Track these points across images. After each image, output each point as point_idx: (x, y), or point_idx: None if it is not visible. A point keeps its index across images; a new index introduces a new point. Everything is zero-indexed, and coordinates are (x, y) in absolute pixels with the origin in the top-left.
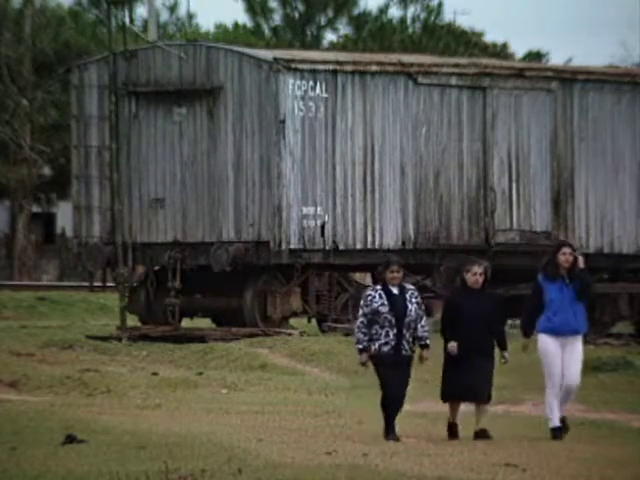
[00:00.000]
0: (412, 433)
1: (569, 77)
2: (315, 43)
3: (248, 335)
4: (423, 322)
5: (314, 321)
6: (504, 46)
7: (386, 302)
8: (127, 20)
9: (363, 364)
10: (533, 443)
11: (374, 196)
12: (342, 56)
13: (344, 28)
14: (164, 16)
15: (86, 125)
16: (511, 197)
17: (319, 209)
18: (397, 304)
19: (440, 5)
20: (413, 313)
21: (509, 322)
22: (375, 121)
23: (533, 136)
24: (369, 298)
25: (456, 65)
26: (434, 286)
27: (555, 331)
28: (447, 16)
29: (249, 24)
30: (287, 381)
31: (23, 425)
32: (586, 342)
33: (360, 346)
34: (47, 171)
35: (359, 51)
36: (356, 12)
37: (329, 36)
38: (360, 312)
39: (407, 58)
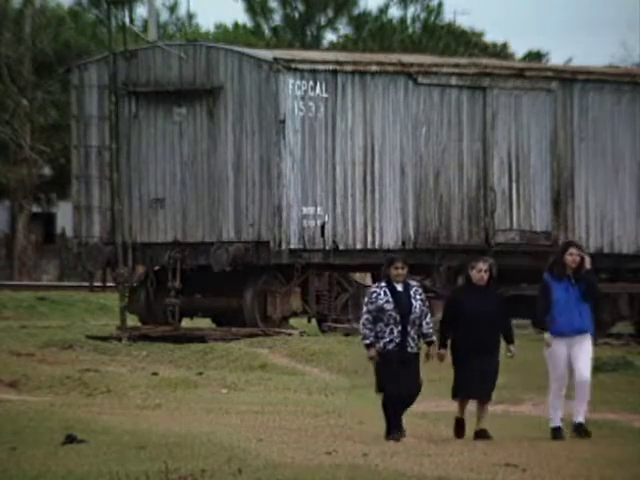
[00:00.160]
0: (412, 433)
1: (569, 77)
2: (315, 43)
3: (248, 335)
4: (428, 319)
5: (314, 321)
6: (504, 46)
7: (391, 299)
8: (127, 20)
9: (372, 359)
10: (533, 443)
11: (374, 196)
12: (342, 56)
13: (344, 28)
14: (164, 16)
15: (86, 125)
16: (511, 197)
17: (319, 209)
18: (402, 301)
19: (440, 5)
20: (418, 310)
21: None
22: (375, 121)
23: (533, 136)
24: (374, 295)
25: (456, 65)
26: (434, 286)
27: (560, 332)
28: (447, 16)
29: (249, 24)
30: (287, 381)
31: (23, 425)
32: None
33: (367, 341)
34: (47, 171)
35: (359, 51)
36: (356, 12)
37: (329, 36)
38: (364, 309)
39: (407, 58)
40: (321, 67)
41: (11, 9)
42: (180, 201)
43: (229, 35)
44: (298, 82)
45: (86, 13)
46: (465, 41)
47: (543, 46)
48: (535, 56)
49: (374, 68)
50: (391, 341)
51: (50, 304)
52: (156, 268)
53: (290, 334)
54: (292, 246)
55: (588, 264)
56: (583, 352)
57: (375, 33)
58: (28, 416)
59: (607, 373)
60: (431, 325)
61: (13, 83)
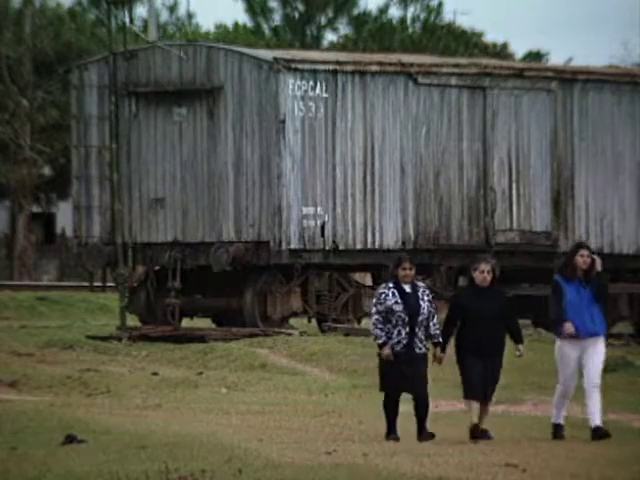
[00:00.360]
0: (412, 433)
1: (569, 77)
2: (315, 43)
3: (248, 335)
4: (435, 320)
5: (314, 321)
6: (504, 46)
7: (399, 300)
8: (127, 20)
9: (387, 356)
10: (533, 443)
11: (374, 196)
12: (342, 56)
13: (344, 28)
14: (164, 16)
15: (86, 125)
16: (511, 197)
17: (319, 209)
18: (410, 302)
19: (440, 5)
20: (426, 311)
21: None
22: (375, 121)
23: (533, 136)
24: (382, 296)
25: (456, 65)
26: (434, 286)
27: (572, 336)
28: (447, 16)
29: (249, 24)
30: (287, 381)
31: (23, 425)
32: None
33: (380, 341)
34: (47, 171)
35: (359, 51)
36: (356, 12)
37: (329, 36)
38: (374, 310)
39: (407, 58)
40: (321, 67)
41: (11, 9)
42: (180, 201)
43: (229, 35)
44: (298, 82)
45: (86, 13)
46: (465, 41)
47: (543, 46)
48: (535, 56)
49: (374, 68)
50: (399, 342)
51: (50, 304)
52: (156, 268)
53: (290, 334)
54: (292, 246)
55: (599, 266)
56: (596, 355)
57: (375, 33)
58: (28, 416)
59: (607, 373)
60: (438, 326)
61: (13, 83)
